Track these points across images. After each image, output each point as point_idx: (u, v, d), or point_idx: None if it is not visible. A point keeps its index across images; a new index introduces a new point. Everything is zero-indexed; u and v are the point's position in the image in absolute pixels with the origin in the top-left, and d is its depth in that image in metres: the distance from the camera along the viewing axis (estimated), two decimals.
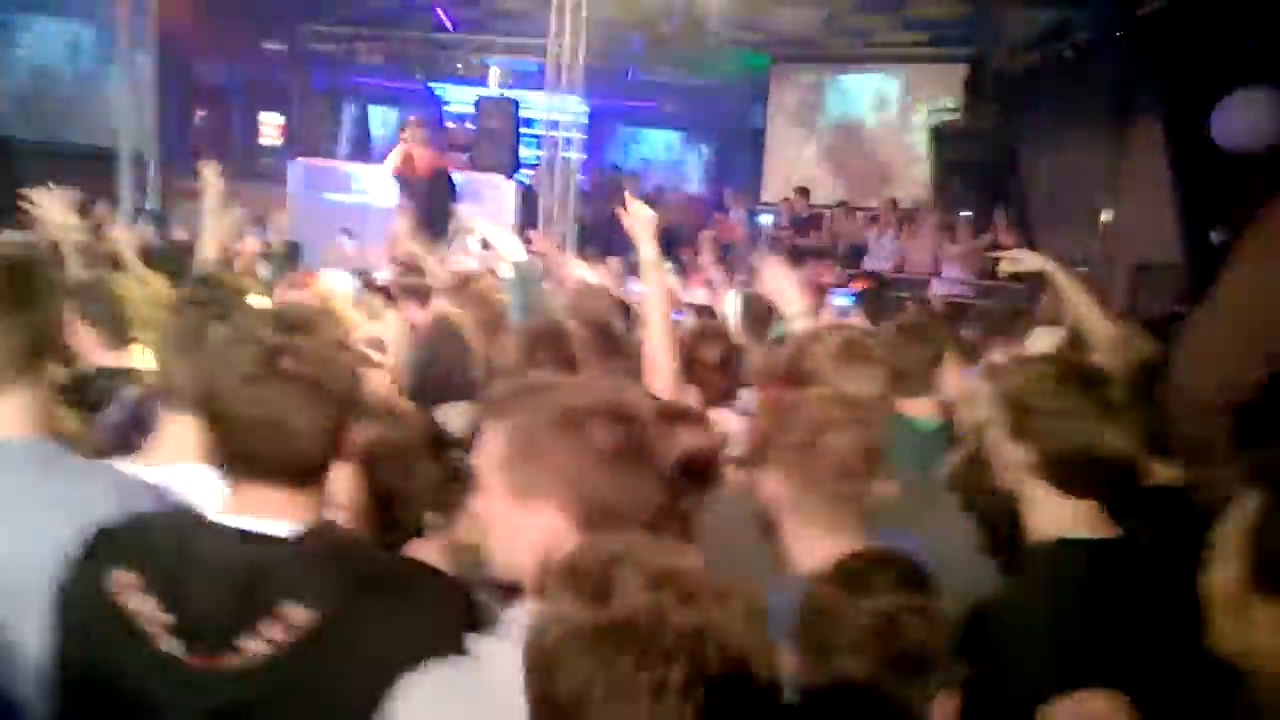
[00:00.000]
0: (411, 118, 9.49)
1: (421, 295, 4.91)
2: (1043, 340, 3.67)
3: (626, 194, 3.33)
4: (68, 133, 10.45)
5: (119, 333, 2.87)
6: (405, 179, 8.61)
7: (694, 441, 2.29)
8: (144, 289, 3.00)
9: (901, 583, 1.48)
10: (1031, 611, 1.67)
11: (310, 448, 1.36)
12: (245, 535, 1.34)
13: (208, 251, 3.97)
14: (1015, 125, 10.74)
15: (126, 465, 2.11)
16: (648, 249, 2.97)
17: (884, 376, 2.34)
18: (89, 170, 8.65)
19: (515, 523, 1.33)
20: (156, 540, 1.38)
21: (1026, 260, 3.45)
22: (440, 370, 3.49)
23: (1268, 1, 6.39)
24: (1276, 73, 6.27)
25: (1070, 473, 1.77)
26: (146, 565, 1.34)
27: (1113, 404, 1.85)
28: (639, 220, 2.97)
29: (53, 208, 3.92)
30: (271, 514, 1.35)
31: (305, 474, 1.38)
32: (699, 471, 2.42)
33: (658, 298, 2.87)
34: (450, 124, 12.45)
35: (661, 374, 2.92)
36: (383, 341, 3.85)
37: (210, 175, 4.14)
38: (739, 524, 1.96)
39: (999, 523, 2.13)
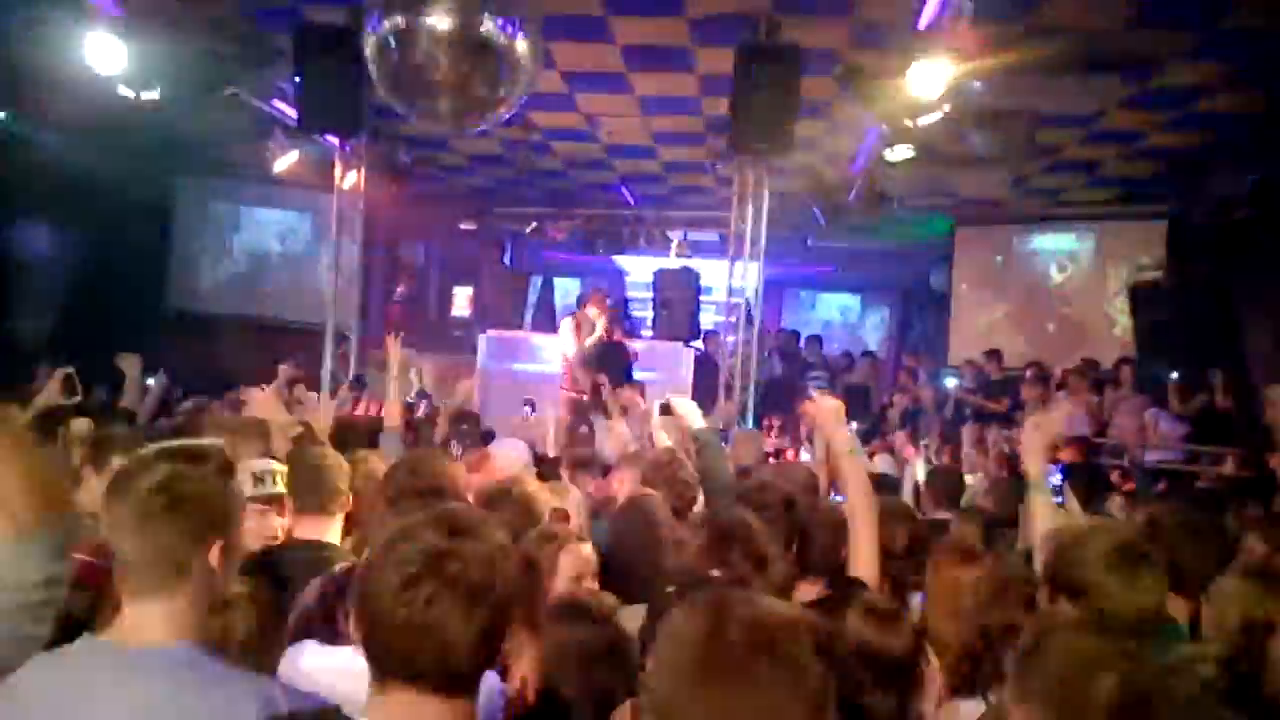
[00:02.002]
0: (595, 290, 9.80)
1: (596, 467, 4.89)
2: None
3: (812, 389, 3.24)
4: (281, 311, 11.49)
5: (322, 503, 2.92)
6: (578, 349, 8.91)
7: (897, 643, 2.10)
8: (347, 463, 3.05)
9: None
10: None
11: (464, 655, 1.33)
12: None
13: (389, 420, 4.10)
14: (1226, 282, 10.07)
15: (317, 651, 2.07)
16: (840, 440, 2.90)
17: (1164, 585, 2.06)
18: (298, 346, 9.41)
19: None
20: None
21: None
22: (629, 553, 3.35)
23: None
24: None
25: None
26: None
27: None
28: (825, 413, 2.90)
29: (264, 403, 4.19)
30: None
31: (456, 681, 1.34)
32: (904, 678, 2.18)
33: (859, 485, 2.80)
34: (631, 294, 12.85)
35: (866, 564, 2.81)
36: (569, 514, 3.79)
37: (391, 344, 4.35)
38: None
39: None
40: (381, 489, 2.71)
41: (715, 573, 1.78)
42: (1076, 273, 11.83)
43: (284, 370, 6.75)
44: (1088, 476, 6.07)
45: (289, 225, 12.25)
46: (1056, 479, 5.10)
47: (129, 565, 1.63)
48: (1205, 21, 6.48)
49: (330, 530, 2.88)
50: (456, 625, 1.31)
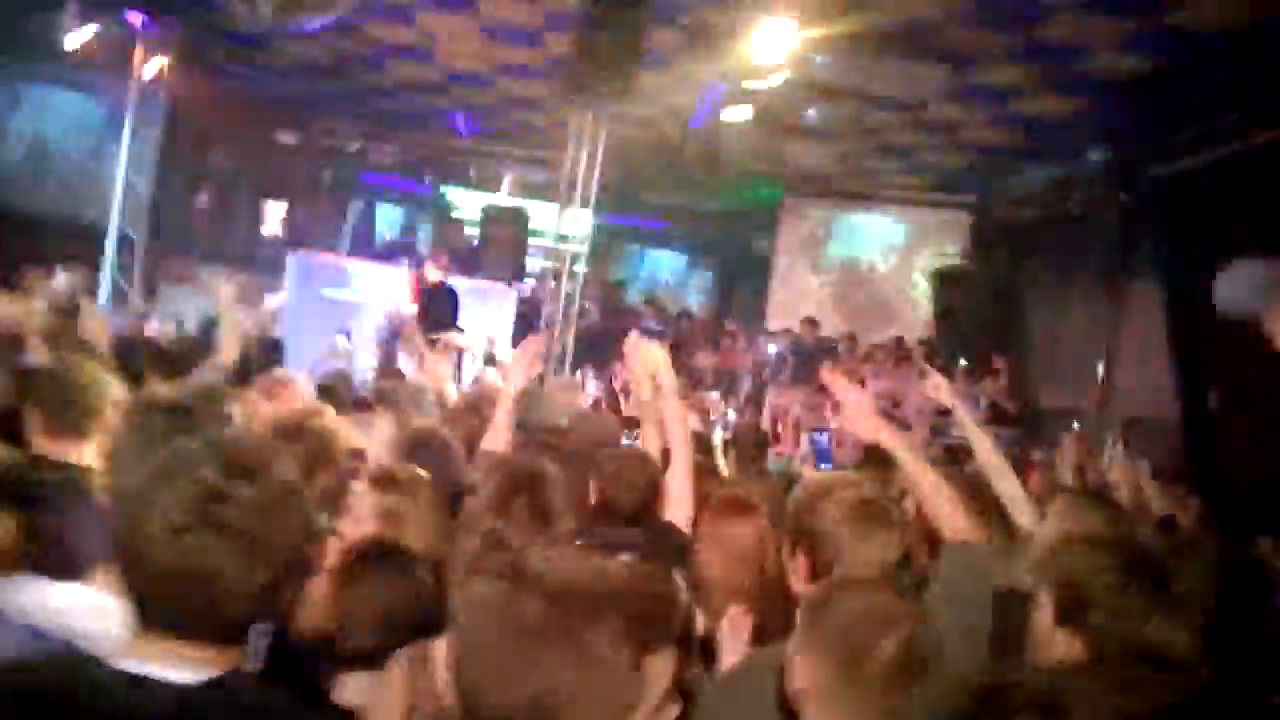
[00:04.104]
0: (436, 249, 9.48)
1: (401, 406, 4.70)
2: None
3: (635, 334, 3.19)
4: (60, 207, 10.34)
5: (73, 423, 2.60)
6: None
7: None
8: (108, 382, 2.72)
9: None
10: None
11: (239, 609, 1.20)
12: (138, 680, 1.16)
13: (227, 353, 3.79)
14: (1017, 275, 10.89)
15: (54, 587, 1.88)
16: (667, 381, 2.88)
17: (899, 543, 2.11)
18: (76, 247, 8.52)
19: None
20: (31, 683, 1.17)
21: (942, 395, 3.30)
22: None
23: (1268, 174, 6.60)
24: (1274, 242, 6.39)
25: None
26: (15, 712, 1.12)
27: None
28: (650, 359, 2.88)
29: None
30: (175, 665, 1.17)
31: (229, 634, 1.22)
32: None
33: (680, 430, 2.81)
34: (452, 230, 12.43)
35: (681, 507, 2.83)
36: (364, 452, 3.60)
37: (218, 283, 4.01)
38: (753, 704, 1.78)
39: None
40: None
41: (499, 524, 1.70)
42: (889, 254, 12.48)
43: (65, 278, 6.13)
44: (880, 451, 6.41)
45: (78, 112, 11.00)
46: (824, 439, 5.36)
47: None
48: (1028, 26, 6.87)
49: (84, 454, 2.57)
50: (232, 578, 1.17)
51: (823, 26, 6.32)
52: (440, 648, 1.69)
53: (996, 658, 1.99)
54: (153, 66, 8.99)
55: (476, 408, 3.84)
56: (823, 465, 5.03)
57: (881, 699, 1.54)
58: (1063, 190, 9.61)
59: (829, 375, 2.56)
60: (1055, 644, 1.81)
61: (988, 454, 3.05)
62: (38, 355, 3.37)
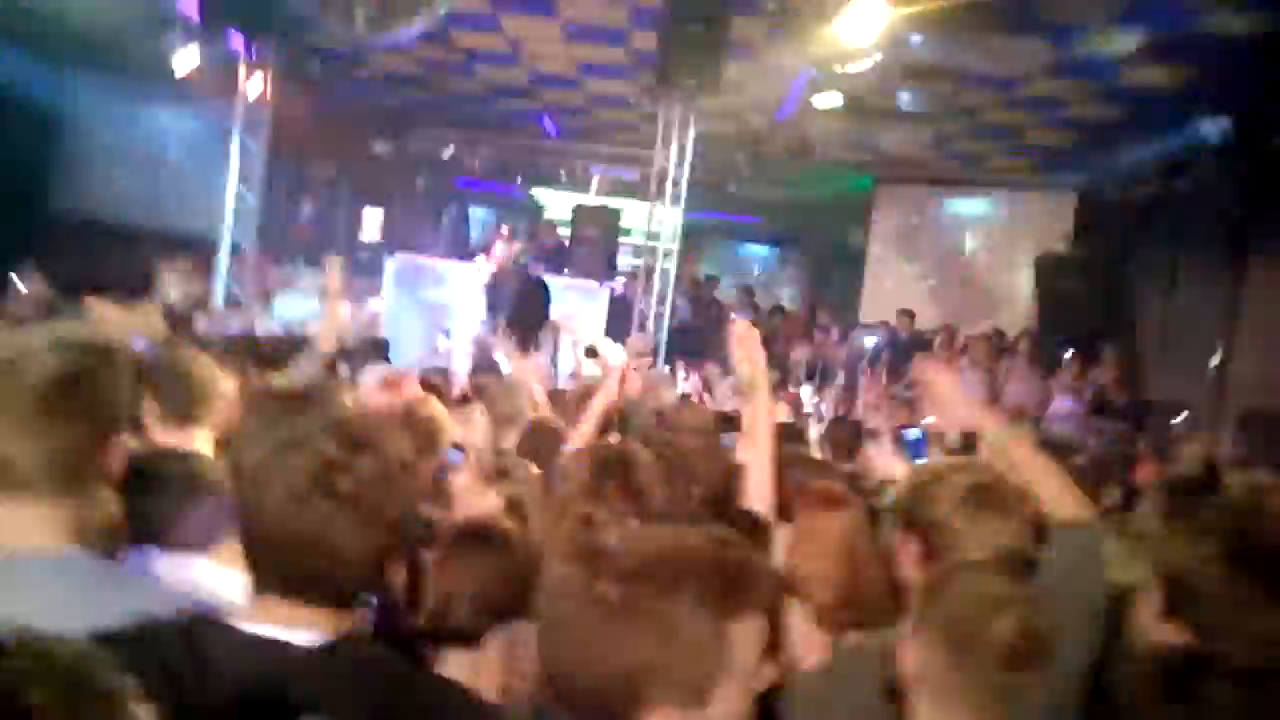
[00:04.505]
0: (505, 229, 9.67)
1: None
2: None
3: (732, 313, 3.17)
4: (175, 222, 10.82)
5: (185, 411, 2.70)
6: (494, 287, 8.79)
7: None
8: (217, 375, 2.83)
9: None
10: None
11: (352, 574, 1.27)
12: (264, 642, 1.24)
13: (323, 344, 3.89)
14: (1126, 259, 10.40)
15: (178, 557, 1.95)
16: (762, 371, 2.83)
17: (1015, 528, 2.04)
18: (190, 258, 8.93)
19: None
20: (165, 647, 1.24)
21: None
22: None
23: None
24: None
25: None
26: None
27: None
28: (746, 339, 2.83)
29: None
30: (294, 628, 1.24)
31: (341, 599, 1.29)
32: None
33: (765, 418, 2.73)
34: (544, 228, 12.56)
35: (762, 497, 2.77)
36: (463, 445, 3.67)
37: (334, 267, 4.12)
38: (857, 686, 1.79)
39: None
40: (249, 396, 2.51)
41: (591, 508, 1.69)
42: (989, 240, 12.07)
43: (179, 287, 6.45)
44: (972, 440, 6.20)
45: (188, 129, 11.51)
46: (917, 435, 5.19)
47: (12, 465, 1.45)
48: None
49: (196, 441, 2.68)
50: (346, 545, 1.23)
51: (915, 4, 6.14)
52: (533, 630, 1.69)
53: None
54: (255, 84, 9.34)
55: (586, 399, 3.83)
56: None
57: (995, 683, 1.53)
58: (1176, 166, 9.12)
59: (923, 367, 2.51)
60: (1162, 637, 1.73)
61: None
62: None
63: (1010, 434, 2.29)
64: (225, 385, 2.79)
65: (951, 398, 2.47)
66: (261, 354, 4.20)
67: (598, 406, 3.24)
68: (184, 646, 1.22)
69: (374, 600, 1.95)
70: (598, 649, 1.09)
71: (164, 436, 2.65)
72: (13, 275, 5.25)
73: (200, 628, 1.27)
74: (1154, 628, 1.77)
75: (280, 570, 1.25)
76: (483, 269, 9.27)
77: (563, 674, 1.12)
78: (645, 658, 1.07)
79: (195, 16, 7.98)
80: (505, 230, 10.01)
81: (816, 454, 5.14)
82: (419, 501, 1.40)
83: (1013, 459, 2.21)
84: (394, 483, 1.28)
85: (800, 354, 10.59)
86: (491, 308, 8.67)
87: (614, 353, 3.57)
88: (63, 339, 1.55)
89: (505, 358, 6.39)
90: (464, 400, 4.64)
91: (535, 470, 3.16)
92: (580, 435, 3.18)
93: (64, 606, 1.39)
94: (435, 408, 3.44)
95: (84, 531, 1.51)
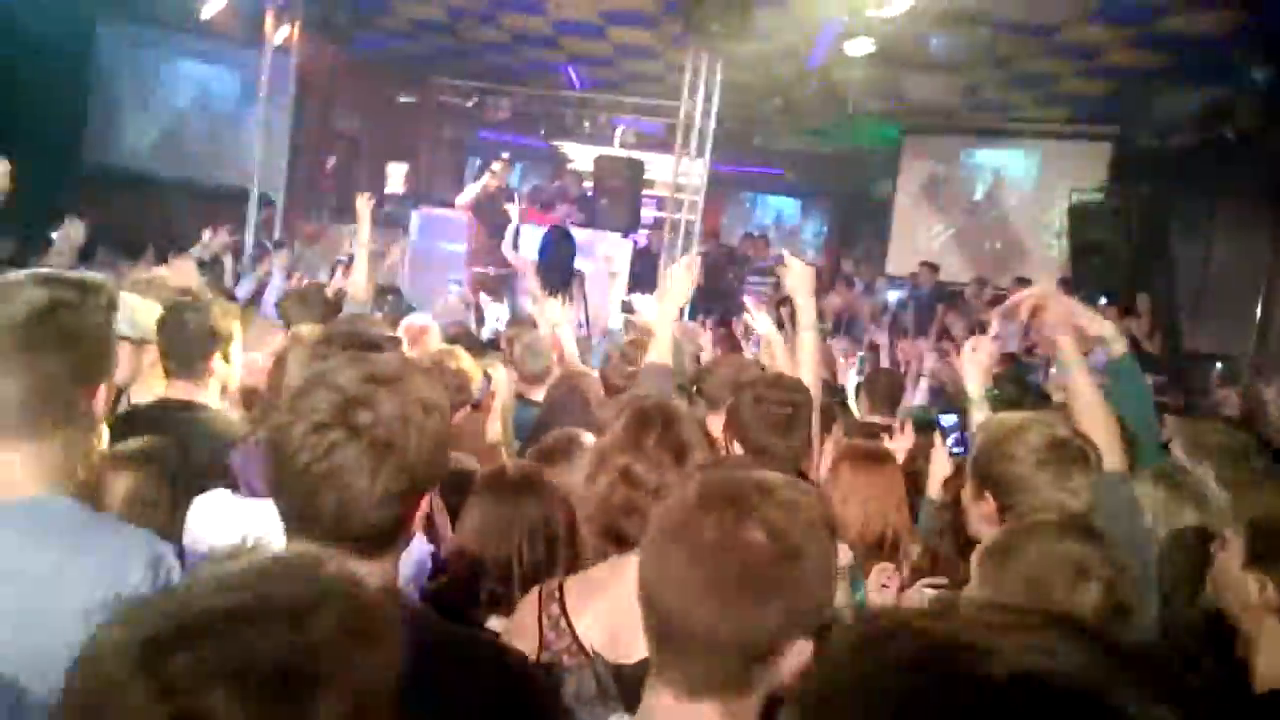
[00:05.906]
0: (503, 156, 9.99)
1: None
2: None
3: (785, 252, 3.14)
4: (204, 173, 10.84)
5: (189, 365, 2.70)
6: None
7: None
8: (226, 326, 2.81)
9: None
10: None
11: (367, 512, 1.23)
12: None
13: (359, 291, 3.91)
14: (1162, 207, 10.17)
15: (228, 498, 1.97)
16: (809, 310, 2.84)
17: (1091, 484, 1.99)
18: (219, 211, 8.92)
19: None
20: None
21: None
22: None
23: None
24: None
25: None
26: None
27: None
28: (797, 276, 2.82)
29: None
30: None
31: (366, 541, 1.25)
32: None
33: (811, 357, 2.77)
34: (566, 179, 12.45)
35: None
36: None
37: (362, 207, 4.11)
38: None
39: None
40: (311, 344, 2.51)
41: (630, 460, 1.68)
42: (1019, 191, 11.85)
43: (217, 240, 6.49)
44: (1016, 388, 6.14)
45: (215, 81, 11.45)
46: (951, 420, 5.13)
47: None
48: None
49: (206, 393, 2.69)
50: (359, 479, 1.21)
51: None
52: (571, 587, 1.68)
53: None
54: (281, 34, 9.27)
55: (635, 351, 3.78)
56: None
57: None
58: (1217, 113, 8.86)
59: (1015, 297, 2.40)
60: (1244, 586, 1.70)
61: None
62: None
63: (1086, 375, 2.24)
64: (235, 332, 2.80)
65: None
66: (299, 305, 4.21)
67: (664, 326, 2.95)
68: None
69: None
70: (760, 596, 1.09)
71: (173, 391, 2.67)
72: (53, 230, 5.28)
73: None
74: (1234, 576, 1.75)
75: (303, 506, 1.23)
76: (470, 191, 9.34)
77: (697, 631, 1.09)
78: (807, 605, 1.11)
79: None
80: (505, 155, 10.10)
81: (854, 405, 5.12)
82: (446, 448, 1.35)
83: (1079, 400, 2.19)
84: (415, 424, 1.26)
85: (831, 305, 10.50)
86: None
87: (648, 308, 3.53)
88: (42, 274, 1.51)
89: (533, 300, 6.37)
90: (481, 353, 4.66)
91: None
92: (656, 351, 2.91)
93: (34, 551, 1.38)
94: (463, 358, 3.45)
95: (64, 475, 1.48)
